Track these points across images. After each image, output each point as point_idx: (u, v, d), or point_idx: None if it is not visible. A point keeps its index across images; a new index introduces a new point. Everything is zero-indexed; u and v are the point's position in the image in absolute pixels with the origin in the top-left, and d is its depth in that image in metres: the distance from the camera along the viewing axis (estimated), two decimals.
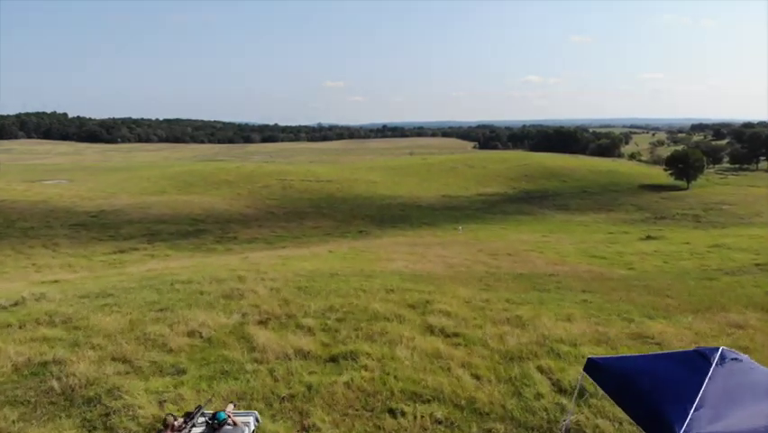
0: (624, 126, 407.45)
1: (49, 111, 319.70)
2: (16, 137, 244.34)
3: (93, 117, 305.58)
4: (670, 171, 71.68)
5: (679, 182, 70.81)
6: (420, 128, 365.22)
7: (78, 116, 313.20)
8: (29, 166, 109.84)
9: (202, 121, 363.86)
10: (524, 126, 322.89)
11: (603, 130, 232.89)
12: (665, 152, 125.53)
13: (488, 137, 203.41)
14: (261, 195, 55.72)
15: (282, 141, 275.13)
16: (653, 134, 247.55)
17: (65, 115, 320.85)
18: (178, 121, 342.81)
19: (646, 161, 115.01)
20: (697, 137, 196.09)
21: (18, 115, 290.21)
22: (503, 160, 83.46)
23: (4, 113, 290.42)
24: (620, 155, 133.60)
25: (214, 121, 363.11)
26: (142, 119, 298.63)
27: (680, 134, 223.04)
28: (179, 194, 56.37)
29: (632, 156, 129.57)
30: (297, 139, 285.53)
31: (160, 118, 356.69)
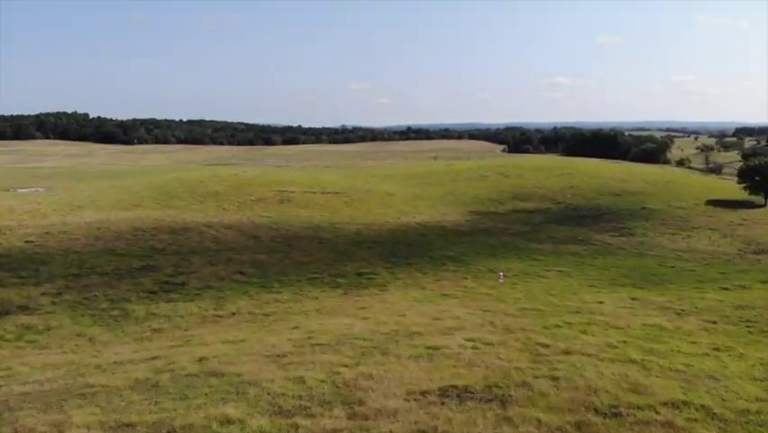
0: (659, 129, 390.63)
1: (69, 111, 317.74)
2: (33, 137, 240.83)
3: (116, 118, 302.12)
4: (745, 185, 60.28)
5: (754, 197, 59.42)
6: (446, 130, 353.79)
7: (99, 117, 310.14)
8: (22, 169, 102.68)
9: (225, 122, 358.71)
10: (555, 128, 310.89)
11: (643, 133, 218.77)
12: (720, 158, 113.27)
13: (518, 140, 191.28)
14: (252, 211, 46.15)
15: (304, 143, 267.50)
16: (696, 138, 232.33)
17: (86, 115, 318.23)
18: (200, 122, 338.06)
19: (701, 169, 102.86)
20: (749, 142, 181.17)
21: (38, 116, 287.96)
22: (541, 167, 72.67)
23: (25, 113, 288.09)
24: (666, 161, 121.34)
25: (237, 123, 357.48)
26: (165, 120, 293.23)
27: (728, 139, 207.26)
28: (155, 208, 47.15)
29: (681, 162, 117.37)
30: (318, 141, 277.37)
31: (184, 119, 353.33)
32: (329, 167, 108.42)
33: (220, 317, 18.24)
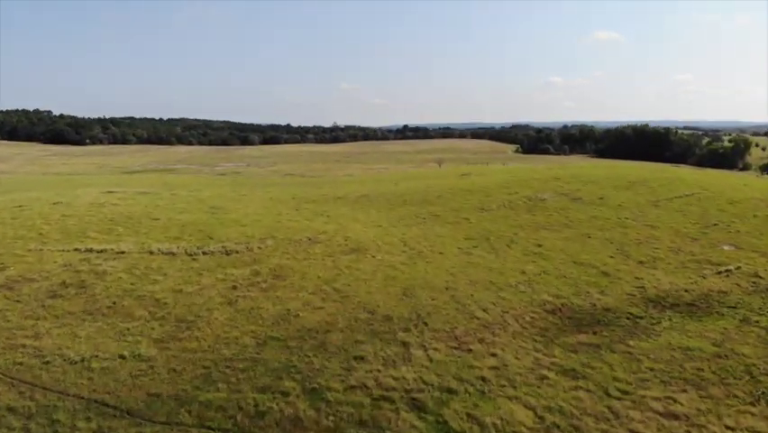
0: (676, 128, 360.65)
1: (31, 109, 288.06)
2: None
3: (106, 117, 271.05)
4: None
5: None
6: (446, 129, 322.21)
7: (62, 114, 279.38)
8: None
9: (204, 120, 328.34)
10: (565, 127, 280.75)
11: (686, 132, 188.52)
12: None
13: (534, 139, 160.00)
14: None
15: (286, 142, 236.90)
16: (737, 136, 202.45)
17: (49, 113, 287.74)
18: (172, 120, 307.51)
19: None
20: None
21: None
22: (630, 181, 42.57)
23: None
24: (746, 166, 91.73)
25: (215, 120, 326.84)
26: (127, 118, 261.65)
27: None
28: None
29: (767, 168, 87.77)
30: (303, 141, 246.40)
31: (164, 118, 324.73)
32: (291, 175, 77.85)
33: None
